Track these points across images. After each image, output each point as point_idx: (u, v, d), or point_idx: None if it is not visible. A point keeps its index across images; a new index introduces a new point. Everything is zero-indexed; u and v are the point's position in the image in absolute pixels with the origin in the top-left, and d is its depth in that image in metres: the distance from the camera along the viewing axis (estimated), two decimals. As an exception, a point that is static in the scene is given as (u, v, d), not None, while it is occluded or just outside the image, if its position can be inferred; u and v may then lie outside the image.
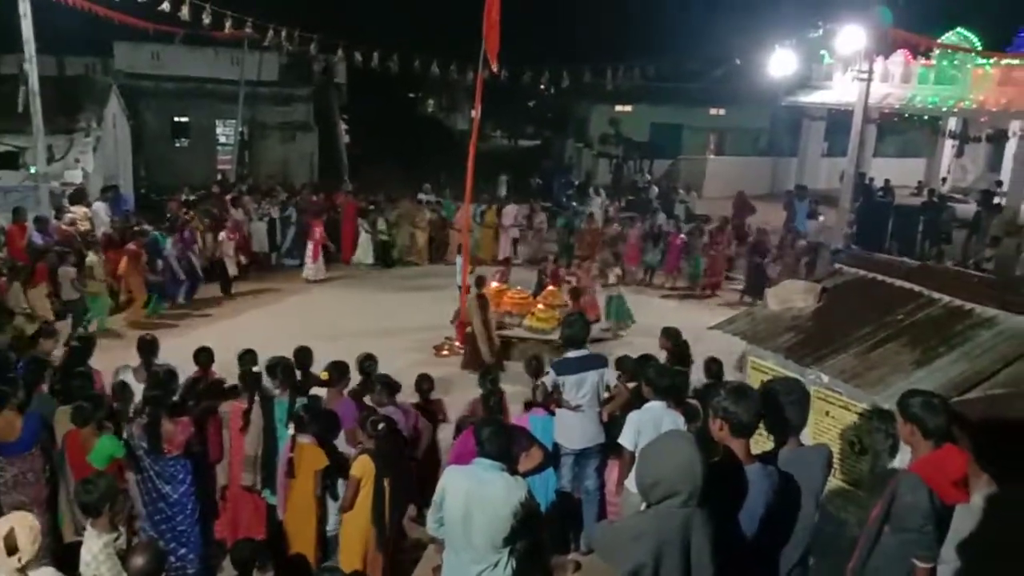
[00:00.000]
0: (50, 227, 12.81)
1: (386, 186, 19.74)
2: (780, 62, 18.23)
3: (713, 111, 30.42)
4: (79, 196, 14.53)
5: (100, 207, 14.62)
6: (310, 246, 15.39)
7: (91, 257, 11.66)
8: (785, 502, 3.76)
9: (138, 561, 3.85)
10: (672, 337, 7.73)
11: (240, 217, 15.41)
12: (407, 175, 22.71)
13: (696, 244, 15.32)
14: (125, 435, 5.77)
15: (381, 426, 5.52)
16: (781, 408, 3.89)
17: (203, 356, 7.18)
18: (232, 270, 14.24)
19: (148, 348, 7.27)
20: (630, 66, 19.03)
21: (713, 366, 7.17)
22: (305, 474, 5.61)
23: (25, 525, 3.96)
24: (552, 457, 6.14)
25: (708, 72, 21.33)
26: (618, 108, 29.20)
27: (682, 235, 15.69)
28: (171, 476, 5.80)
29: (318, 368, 6.88)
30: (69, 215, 13.57)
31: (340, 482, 5.66)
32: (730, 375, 7.33)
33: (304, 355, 7.03)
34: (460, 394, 7.97)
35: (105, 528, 4.35)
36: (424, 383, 6.98)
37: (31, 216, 12.81)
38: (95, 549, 4.29)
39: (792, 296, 6.59)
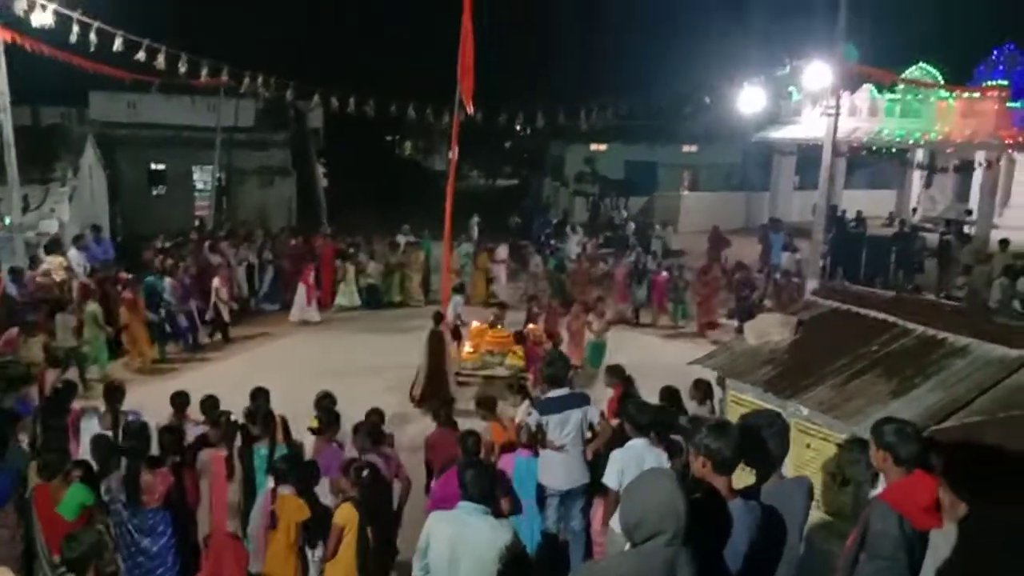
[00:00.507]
0: (25, 278, 12.69)
1: (365, 228, 19.80)
2: (749, 99, 18.58)
3: (686, 148, 30.93)
4: (54, 246, 14.42)
5: (74, 255, 14.49)
6: (302, 289, 15.51)
7: (92, 306, 11.84)
8: (769, 536, 3.77)
9: None
10: (617, 374, 7.79)
11: (218, 262, 15.35)
12: (386, 217, 22.78)
13: (679, 283, 15.44)
14: (103, 487, 5.67)
15: (365, 473, 5.48)
16: (761, 441, 3.93)
17: (179, 400, 7.11)
18: (226, 316, 14.25)
19: (114, 395, 7.21)
20: (603, 105, 19.28)
21: (665, 393, 7.24)
22: (286, 525, 5.54)
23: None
24: (537, 498, 6.13)
25: (679, 110, 21.64)
26: (593, 147, 29.59)
27: (664, 272, 15.79)
28: (151, 528, 5.70)
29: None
30: (44, 265, 13.44)
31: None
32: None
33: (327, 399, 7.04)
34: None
35: None
36: (374, 415, 6.90)
37: (5, 267, 12.70)
38: None
39: (769, 329, 6.67)
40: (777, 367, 6.28)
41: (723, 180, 30.91)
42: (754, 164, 29.55)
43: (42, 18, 12.57)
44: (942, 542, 4.42)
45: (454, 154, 11.76)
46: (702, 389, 7.24)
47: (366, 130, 30.94)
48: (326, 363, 12.20)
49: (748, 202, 29.26)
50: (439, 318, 11.13)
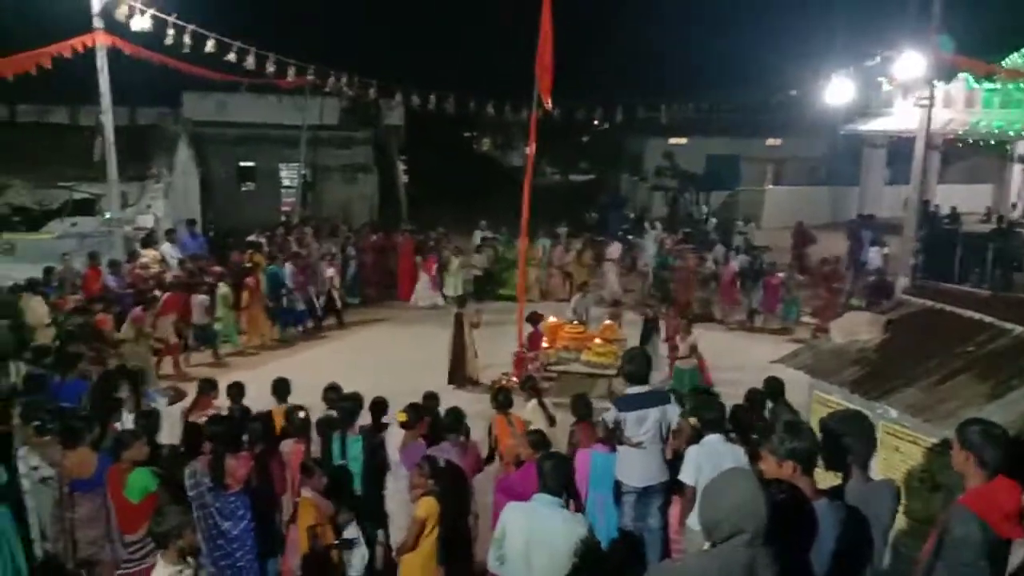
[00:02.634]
0: (123, 270, 13.33)
1: (443, 224, 20.03)
2: (837, 90, 18.00)
3: (770, 141, 30.14)
4: (150, 240, 15.10)
5: (167, 249, 15.17)
6: (424, 278, 16.47)
7: (223, 288, 13.01)
8: (855, 538, 3.67)
9: None
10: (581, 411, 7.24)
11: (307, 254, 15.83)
12: (464, 213, 23.00)
13: (790, 283, 14.67)
14: (187, 471, 5.89)
15: (425, 467, 5.54)
16: (846, 442, 3.82)
17: (235, 389, 7.46)
18: (339, 303, 15.14)
19: (136, 379, 7.52)
20: (684, 99, 19.04)
21: (756, 395, 7.08)
22: (300, 527, 5.66)
23: None
24: (615, 495, 6.11)
25: (764, 102, 21.15)
26: (672, 141, 29.15)
27: (780, 273, 15.01)
28: (231, 512, 5.86)
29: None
30: (142, 259, 14.10)
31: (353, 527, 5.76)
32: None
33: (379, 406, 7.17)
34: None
35: (172, 560, 4.44)
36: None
37: (105, 260, 13.39)
38: None
39: (857, 328, 6.47)
40: (864, 367, 6.08)
41: (808, 174, 30.00)
42: (842, 158, 28.55)
43: (141, 23, 13.22)
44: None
45: (532, 150, 11.76)
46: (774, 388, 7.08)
47: (445, 127, 31.39)
48: (419, 353, 12.58)
49: (834, 197, 28.31)
50: (463, 301, 12.19)
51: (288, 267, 14.42)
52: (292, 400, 7.39)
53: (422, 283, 16.58)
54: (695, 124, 26.99)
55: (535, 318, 11.59)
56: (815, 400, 6.38)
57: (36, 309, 11.14)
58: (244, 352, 13.29)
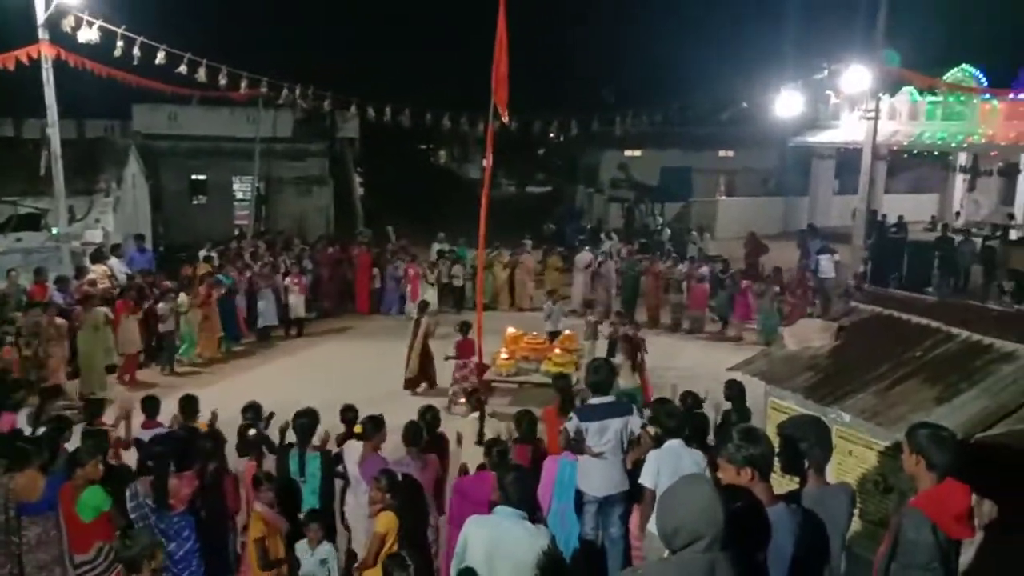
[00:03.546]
0: (71, 287, 13.00)
1: (401, 236, 19.95)
2: (787, 103, 18.41)
3: (722, 153, 30.67)
4: (99, 255, 14.75)
5: (115, 264, 14.83)
6: (408, 288, 16.55)
7: (182, 297, 13.02)
8: (812, 541, 3.72)
9: None
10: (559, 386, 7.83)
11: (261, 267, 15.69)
12: (421, 225, 22.94)
13: (766, 292, 14.52)
14: (129, 492, 5.75)
15: (383, 481, 5.49)
16: (803, 447, 3.89)
17: (188, 405, 7.33)
18: (301, 312, 15.24)
19: (48, 394, 7.36)
20: (638, 112, 19.28)
21: (688, 399, 7.21)
22: (248, 541, 5.66)
23: None
24: (576, 505, 6.12)
25: (716, 115, 21.51)
26: (628, 153, 29.49)
27: (746, 281, 15.14)
28: (175, 533, 5.74)
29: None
30: (91, 275, 13.75)
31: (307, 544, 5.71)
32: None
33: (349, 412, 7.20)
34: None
35: None
36: (428, 414, 6.91)
37: (52, 276, 13.03)
38: None
39: (809, 335, 6.59)
40: (818, 373, 6.20)
41: (760, 185, 30.61)
42: (792, 169, 29.20)
43: (88, 34, 12.96)
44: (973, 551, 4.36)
45: (489, 162, 11.78)
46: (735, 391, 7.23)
47: (401, 139, 31.28)
48: (379, 364, 12.55)
49: (786, 207, 28.94)
50: (424, 306, 12.48)
51: (239, 279, 14.58)
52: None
53: (407, 296, 16.70)
54: (649, 137, 27.34)
55: (465, 326, 11.38)
56: (770, 406, 6.48)
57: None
58: (198, 365, 13.22)
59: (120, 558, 4.45)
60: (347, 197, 26.75)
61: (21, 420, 7.30)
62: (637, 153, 29.66)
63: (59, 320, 11.23)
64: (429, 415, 6.92)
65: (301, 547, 5.73)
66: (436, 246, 18.70)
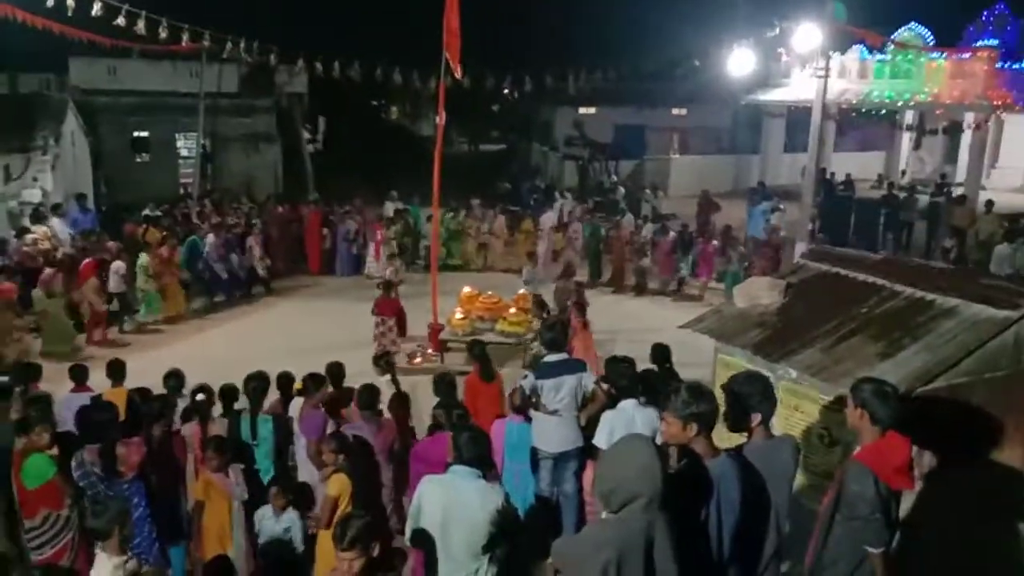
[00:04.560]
0: (10, 248, 12.56)
1: (352, 194, 19.63)
2: (738, 61, 18.42)
3: (675, 111, 30.72)
4: (39, 215, 14.25)
5: (56, 224, 14.35)
6: (371, 247, 16.34)
7: (143, 257, 12.90)
8: (757, 492, 3.81)
9: None
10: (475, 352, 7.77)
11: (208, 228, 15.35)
12: (373, 183, 22.60)
13: (731, 253, 14.67)
14: (75, 460, 5.64)
15: (334, 443, 5.48)
16: (749, 403, 3.95)
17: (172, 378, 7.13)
18: (262, 272, 15.23)
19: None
20: (591, 68, 19.13)
21: (659, 351, 7.26)
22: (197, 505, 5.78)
23: None
24: (531, 462, 6.18)
25: (668, 73, 21.49)
26: (581, 110, 29.35)
27: (714, 242, 15.17)
28: (125, 500, 5.68)
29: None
30: (31, 235, 13.29)
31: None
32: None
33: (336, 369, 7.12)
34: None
35: (115, 551, 4.32)
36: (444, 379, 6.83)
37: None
38: (106, 572, 4.26)
39: (758, 293, 6.69)
40: (766, 330, 6.31)
41: (713, 143, 30.80)
42: (744, 127, 29.45)
43: (17, -19, 12.30)
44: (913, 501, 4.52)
45: (441, 119, 11.62)
46: (660, 354, 7.27)
47: (352, 95, 30.58)
48: (334, 326, 12.49)
49: (738, 165, 29.20)
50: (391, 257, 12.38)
51: (210, 238, 14.38)
52: (203, 377, 7.14)
53: (370, 253, 16.47)
54: (603, 94, 27.20)
55: (387, 285, 11.56)
56: (719, 363, 6.59)
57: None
58: (157, 326, 13.05)
59: (90, 527, 4.41)
60: (296, 155, 26.17)
61: None
62: (591, 110, 29.54)
63: (6, 284, 10.92)
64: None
65: (262, 513, 5.68)
66: (389, 204, 18.47)
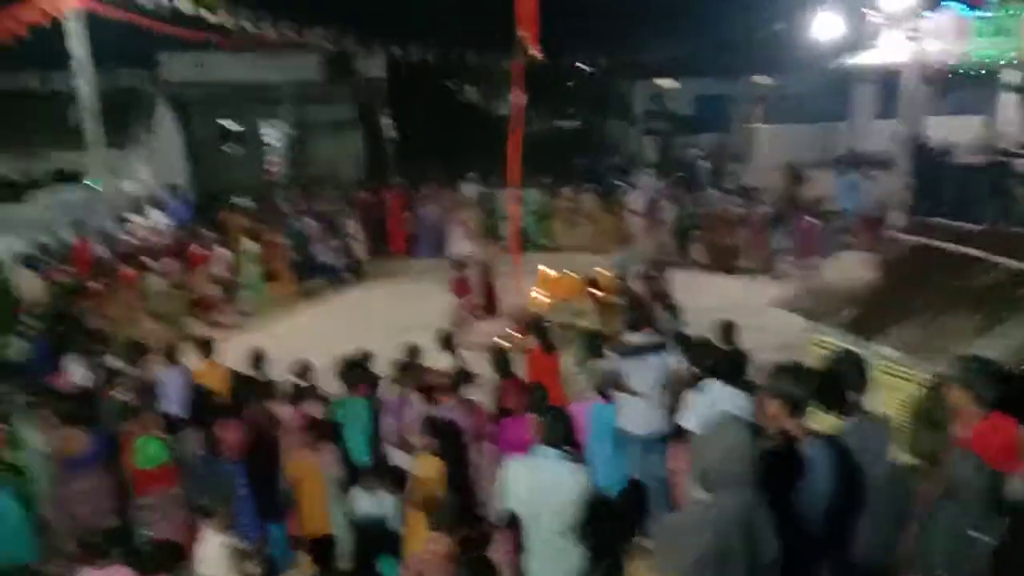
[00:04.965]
0: (111, 239, 13.21)
1: (430, 178, 19.82)
2: (825, 24, 17.70)
3: (758, 79, 29.77)
4: (138, 207, 14.92)
5: (155, 215, 15.03)
6: (457, 228, 16.24)
7: (249, 244, 13.42)
8: (850, 477, 3.71)
9: (250, 568, 4.01)
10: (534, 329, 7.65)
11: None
12: (451, 164, 22.75)
13: (830, 233, 13.84)
14: (180, 442, 5.93)
15: (425, 426, 5.59)
16: (841, 382, 3.84)
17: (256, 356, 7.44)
18: (361, 254, 15.69)
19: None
20: (670, 39, 18.74)
21: (727, 329, 7.03)
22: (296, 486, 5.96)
23: None
24: (617, 444, 6.17)
25: (751, 40, 20.83)
26: (660, 83, 28.80)
27: (809, 216, 14.42)
28: (229, 480, 5.93)
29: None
30: (131, 226, 13.93)
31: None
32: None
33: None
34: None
35: (221, 528, 4.55)
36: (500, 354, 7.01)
37: (91, 229, 13.24)
38: (212, 548, 4.48)
39: (850, 269, 6.47)
40: (859, 307, 6.12)
41: (798, 111, 29.73)
42: (831, 93, 28.25)
43: (112, -18, 12.87)
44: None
45: (518, 98, 11.58)
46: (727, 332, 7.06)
47: (429, 78, 30.80)
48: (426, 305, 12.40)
49: (824, 133, 28.12)
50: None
51: (308, 222, 15.05)
52: (300, 362, 7.38)
53: (455, 235, 16.37)
54: (683, 65, 26.60)
55: (459, 265, 11.87)
56: (811, 342, 6.42)
57: (30, 283, 11.07)
58: (261, 310, 13.49)
59: (197, 505, 4.65)
60: (377, 140, 26.58)
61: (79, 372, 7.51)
62: (670, 82, 28.92)
63: (130, 271, 11.64)
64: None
65: (355, 494, 5.79)
66: (465, 186, 18.56)
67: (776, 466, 3.37)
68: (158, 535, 5.73)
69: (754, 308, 9.06)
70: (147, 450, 5.77)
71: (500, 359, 7.00)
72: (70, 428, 5.90)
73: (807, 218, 14.47)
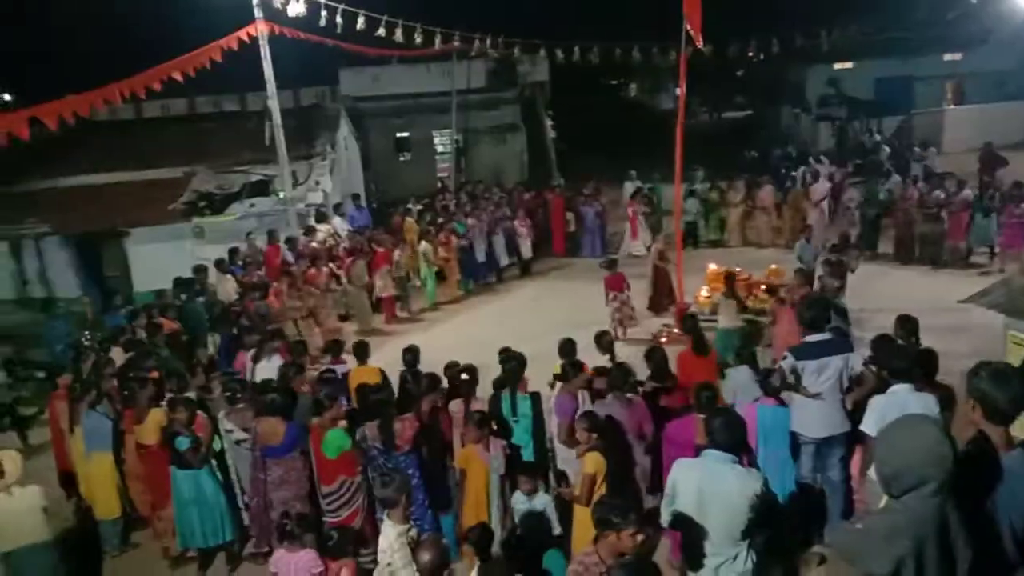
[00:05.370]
0: (299, 245, 14.23)
1: (594, 176, 19.85)
2: (1027, -8, 16.04)
3: (948, 57, 27.41)
4: (322, 216, 15.98)
5: (338, 223, 16.03)
6: (627, 227, 16.84)
7: (424, 245, 14.24)
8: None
9: (426, 556, 4.20)
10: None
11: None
12: (613, 163, 22.67)
13: None
14: (358, 435, 6.29)
15: (587, 423, 5.61)
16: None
17: (408, 353, 7.79)
18: (527, 252, 16.10)
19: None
20: (847, 21, 17.68)
21: (907, 325, 6.52)
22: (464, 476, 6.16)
23: (10, 456, 5.91)
24: (792, 447, 5.91)
25: (939, 16, 19.17)
26: (837, 66, 27.21)
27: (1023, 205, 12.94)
28: (406, 472, 6.21)
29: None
30: (320, 234, 14.93)
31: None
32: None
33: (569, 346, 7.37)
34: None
35: (399, 519, 4.82)
36: (656, 353, 6.95)
37: (282, 237, 14.34)
38: (391, 538, 4.77)
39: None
40: (1069, 303, 5.49)
41: (995, 90, 27.08)
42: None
43: (296, 8, 13.89)
44: None
45: (682, 91, 11.32)
46: (908, 328, 6.50)
47: (591, 77, 30.87)
48: (579, 306, 12.61)
49: (1028, 112, 25.46)
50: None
51: (470, 221, 15.52)
52: (465, 359, 7.60)
53: (626, 233, 16.91)
54: (862, 46, 24.98)
55: (612, 262, 12.00)
56: (1010, 340, 5.84)
57: (226, 287, 12.17)
58: (435, 307, 14.30)
59: (380, 496, 4.94)
60: (540, 142, 26.97)
61: (273, 367, 8.18)
62: (848, 65, 27.25)
63: (325, 268, 12.68)
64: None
65: (516, 497, 5.87)
66: (627, 184, 18.43)
67: (971, 470, 3.10)
68: (340, 521, 6.12)
69: (948, 304, 8.38)
70: (334, 439, 6.18)
71: (655, 358, 6.91)
72: (269, 419, 6.42)
73: (1021, 204, 12.96)
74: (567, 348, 7.28)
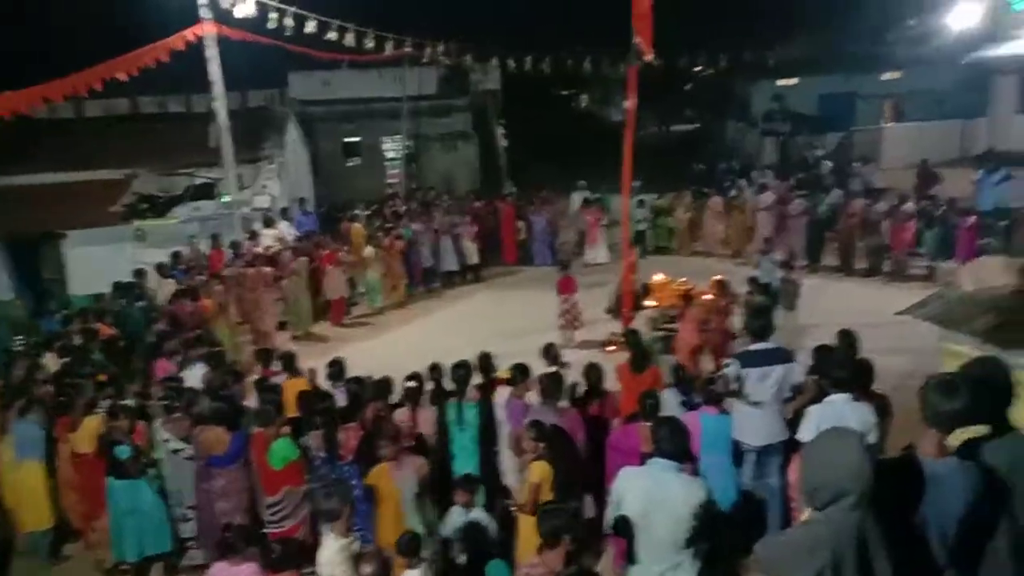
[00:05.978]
0: (244, 249, 13.98)
1: (545, 185, 19.96)
2: (961, 15, 16.66)
3: (887, 76, 28.30)
4: (269, 220, 15.73)
5: (284, 227, 15.78)
6: (588, 234, 16.92)
7: (368, 250, 14.10)
8: (992, 497, 3.44)
9: (367, 568, 4.12)
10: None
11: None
12: (563, 172, 22.81)
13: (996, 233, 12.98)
14: (302, 444, 6.19)
15: (534, 431, 5.56)
16: (985, 394, 3.57)
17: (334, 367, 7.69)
18: (473, 258, 16.09)
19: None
20: (792, 38, 18.14)
21: (847, 338, 6.66)
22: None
23: None
24: (734, 455, 5.99)
25: (880, 35, 19.81)
26: (782, 82, 27.82)
27: (972, 218, 13.41)
28: (349, 482, 6.12)
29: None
30: (265, 239, 14.66)
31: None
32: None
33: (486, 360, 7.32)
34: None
35: (341, 532, 4.71)
36: (592, 373, 6.91)
37: (226, 241, 14.07)
38: (332, 551, 4.66)
39: (990, 274, 6.04)
40: (1000, 316, 5.69)
41: (932, 108, 28.04)
42: (968, 88, 26.51)
43: (244, 9, 13.68)
44: None
45: (631, 104, 11.44)
46: (847, 341, 6.67)
47: (543, 87, 31.03)
48: (530, 314, 12.66)
49: (962, 131, 26.38)
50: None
51: (415, 226, 15.53)
52: (413, 364, 7.53)
53: (590, 243, 16.98)
54: (806, 63, 25.64)
55: (564, 264, 12.36)
56: (944, 352, 6.02)
57: (167, 292, 11.87)
58: (379, 313, 14.17)
59: (322, 509, 4.82)
60: (491, 150, 27.02)
61: (196, 375, 7.98)
62: (792, 81, 27.89)
63: (266, 269, 12.43)
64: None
65: (452, 511, 5.64)
66: (574, 195, 18.56)
67: (893, 483, 3.18)
68: (283, 532, 6.00)
69: (885, 315, 8.62)
70: (280, 450, 6.06)
71: (591, 378, 6.87)
72: (214, 428, 6.27)
73: (970, 219, 13.46)
74: (485, 363, 7.24)
